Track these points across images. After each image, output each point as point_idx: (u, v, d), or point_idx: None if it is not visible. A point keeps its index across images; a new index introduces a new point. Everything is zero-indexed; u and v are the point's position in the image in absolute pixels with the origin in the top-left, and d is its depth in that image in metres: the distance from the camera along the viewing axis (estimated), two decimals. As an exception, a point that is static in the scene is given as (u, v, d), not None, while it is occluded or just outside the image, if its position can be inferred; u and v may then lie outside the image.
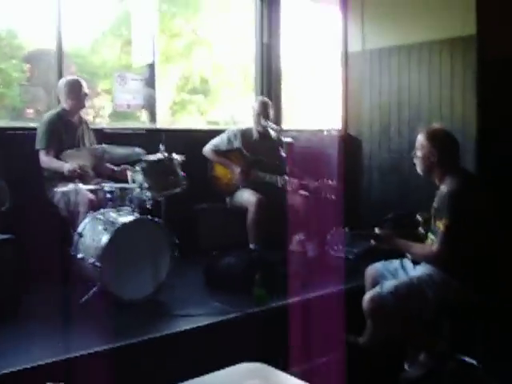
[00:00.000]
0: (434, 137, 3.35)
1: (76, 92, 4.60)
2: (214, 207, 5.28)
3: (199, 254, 4.66)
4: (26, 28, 5.61)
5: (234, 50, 6.98)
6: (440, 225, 3.16)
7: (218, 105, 7.34)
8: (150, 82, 5.90)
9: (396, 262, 3.60)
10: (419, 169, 3.43)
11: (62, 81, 4.69)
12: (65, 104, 4.62)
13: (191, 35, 7.10)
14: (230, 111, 7.26)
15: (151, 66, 5.89)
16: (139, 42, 6.15)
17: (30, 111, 5.72)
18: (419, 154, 3.38)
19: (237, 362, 2.10)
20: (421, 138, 3.38)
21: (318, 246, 4.91)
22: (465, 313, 3.25)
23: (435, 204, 3.30)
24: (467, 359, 3.38)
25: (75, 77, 4.77)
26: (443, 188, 3.27)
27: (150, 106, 5.92)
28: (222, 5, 6.94)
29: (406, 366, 3.51)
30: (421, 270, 3.35)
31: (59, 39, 5.11)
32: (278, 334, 3.59)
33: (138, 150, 4.25)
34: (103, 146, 4.17)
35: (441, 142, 3.35)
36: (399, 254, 3.60)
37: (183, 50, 6.86)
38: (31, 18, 5.40)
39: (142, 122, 6.01)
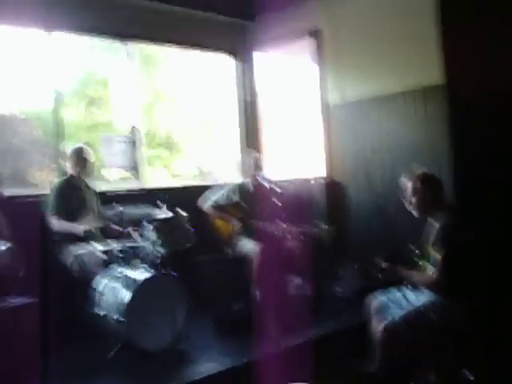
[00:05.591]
0: (425, 180, 3.75)
1: (82, 160, 4.91)
2: (214, 258, 5.56)
3: (203, 303, 4.86)
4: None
5: (198, 103, 7.16)
6: (437, 255, 3.51)
7: (182, 157, 7.47)
8: (135, 143, 6.23)
9: (397, 293, 3.88)
10: (416, 212, 3.77)
11: (69, 149, 4.98)
12: (72, 171, 4.92)
13: (151, 92, 7.25)
14: (194, 163, 7.45)
15: (135, 128, 6.23)
16: (120, 106, 6.45)
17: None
18: (414, 198, 3.74)
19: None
20: (413, 183, 3.75)
21: (316, 287, 5.24)
22: (467, 334, 3.54)
23: (429, 236, 3.66)
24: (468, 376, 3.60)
25: (81, 145, 5.05)
26: (436, 223, 3.65)
27: (136, 166, 6.24)
28: (181, 61, 7.12)
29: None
30: (423, 297, 3.66)
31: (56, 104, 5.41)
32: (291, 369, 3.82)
33: (149, 209, 4.55)
34: (119, 208, 4.44)
35: (431, 183, 3.77)
36: (394, 285, 3.89)
37: (145, 107, 6.99)
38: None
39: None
